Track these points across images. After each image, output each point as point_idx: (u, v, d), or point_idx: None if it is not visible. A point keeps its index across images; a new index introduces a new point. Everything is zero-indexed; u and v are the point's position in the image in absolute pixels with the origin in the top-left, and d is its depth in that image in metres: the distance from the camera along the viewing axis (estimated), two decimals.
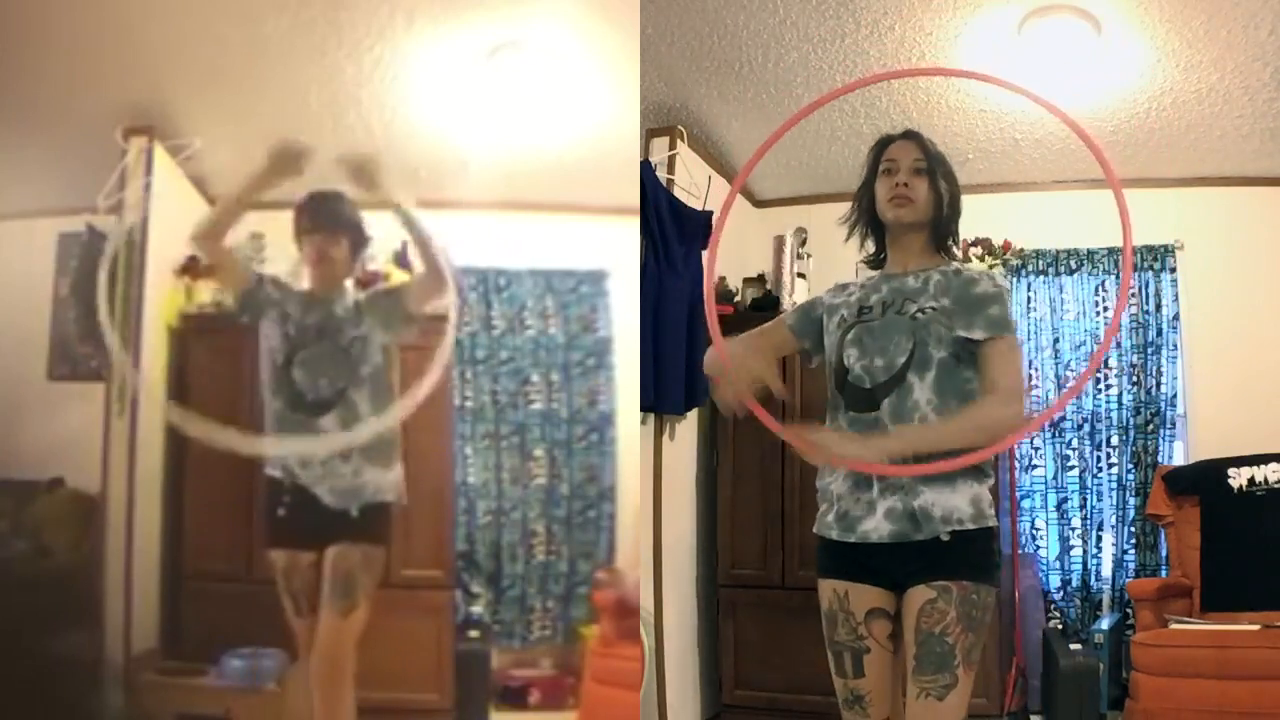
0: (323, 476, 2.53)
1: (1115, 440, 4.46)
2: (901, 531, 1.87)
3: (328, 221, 2.66)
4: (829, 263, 4.43)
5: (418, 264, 2.72)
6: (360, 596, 2.53)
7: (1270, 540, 3.84)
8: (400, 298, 2.68)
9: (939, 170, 2.06)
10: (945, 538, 1.85)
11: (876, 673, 1.91)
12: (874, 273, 2.15)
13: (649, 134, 4.00)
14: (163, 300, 3.84)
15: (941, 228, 2.07)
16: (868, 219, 2.13)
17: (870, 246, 2.16)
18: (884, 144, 2.12)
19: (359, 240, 2.73)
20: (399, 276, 4.19)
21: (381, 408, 2.59)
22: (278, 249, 4.13)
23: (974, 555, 1.88)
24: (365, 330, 2.62)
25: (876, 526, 1.88)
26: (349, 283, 2.75)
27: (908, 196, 2.02)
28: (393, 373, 2.67)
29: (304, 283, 2.73)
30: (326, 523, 2.52)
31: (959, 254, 2.19)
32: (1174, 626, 3.68)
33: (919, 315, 1.95)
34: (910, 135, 2.11)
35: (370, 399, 2.59)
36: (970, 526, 1.87)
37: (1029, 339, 4.55)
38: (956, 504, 1.87)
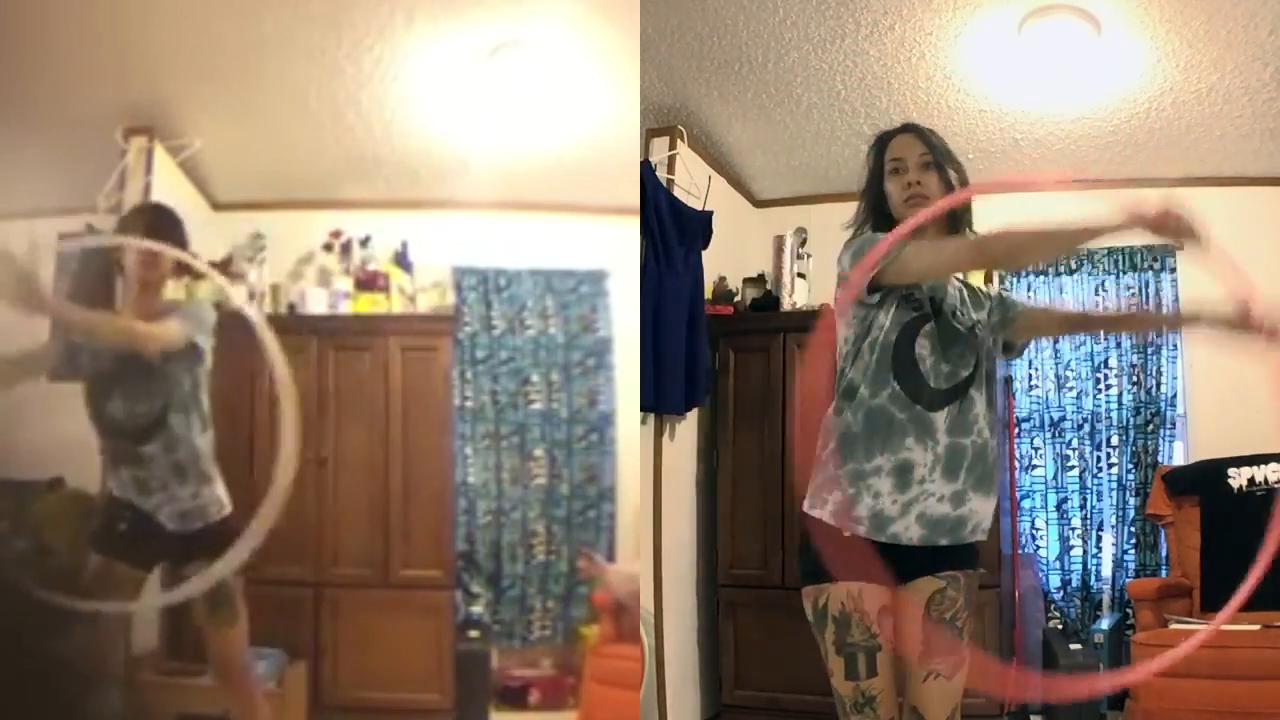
0: (164, 502, 2.50)
1: (1115, 440, 4.46)
2: (929, 537, 1.91)
3: (165, 235, 2.52)
4: (829, 262, 4.42)
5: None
6: (240, 603, 2.54)
7: None
8: (204, 316, 2.60)
9: (946, 161, 2.06)
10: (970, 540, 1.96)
11: (887, 671, 1.91)
12: None
13: (649, 134, 4.00)
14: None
15: (957, 219, 2.08)
16: (878, 217, 2.10)
17: None
18: (885, 140, 2.12)
19: (181, 264, 2.60)
20: (398, 276, 4.19)
21: (200, 425, 2.56)
22: (278, 248, 4.15)
23: (972, 550, 1.99)
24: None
25: (907, 528, 1.91)
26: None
27: (923, 194, 2.01)
28: (202, 391, 2.60)
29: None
30: (171, 546, 2.50)
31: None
32: (1174, 626, 3.68)
33: (978, 331, 2.01)
34: (910, 129, 2.11)
35: (188, 419, 2.53)
36: (983, 536, 1.99)
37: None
38: (986, 514, 1.97)
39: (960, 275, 2.11)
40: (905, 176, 2.04)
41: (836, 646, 1.92)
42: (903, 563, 1.91)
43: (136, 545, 2.50)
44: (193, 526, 2.52)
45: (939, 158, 2.05)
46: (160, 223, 2.57)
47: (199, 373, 2.58)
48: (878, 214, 2.10)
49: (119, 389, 2.49)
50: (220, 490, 2.59)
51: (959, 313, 2.00)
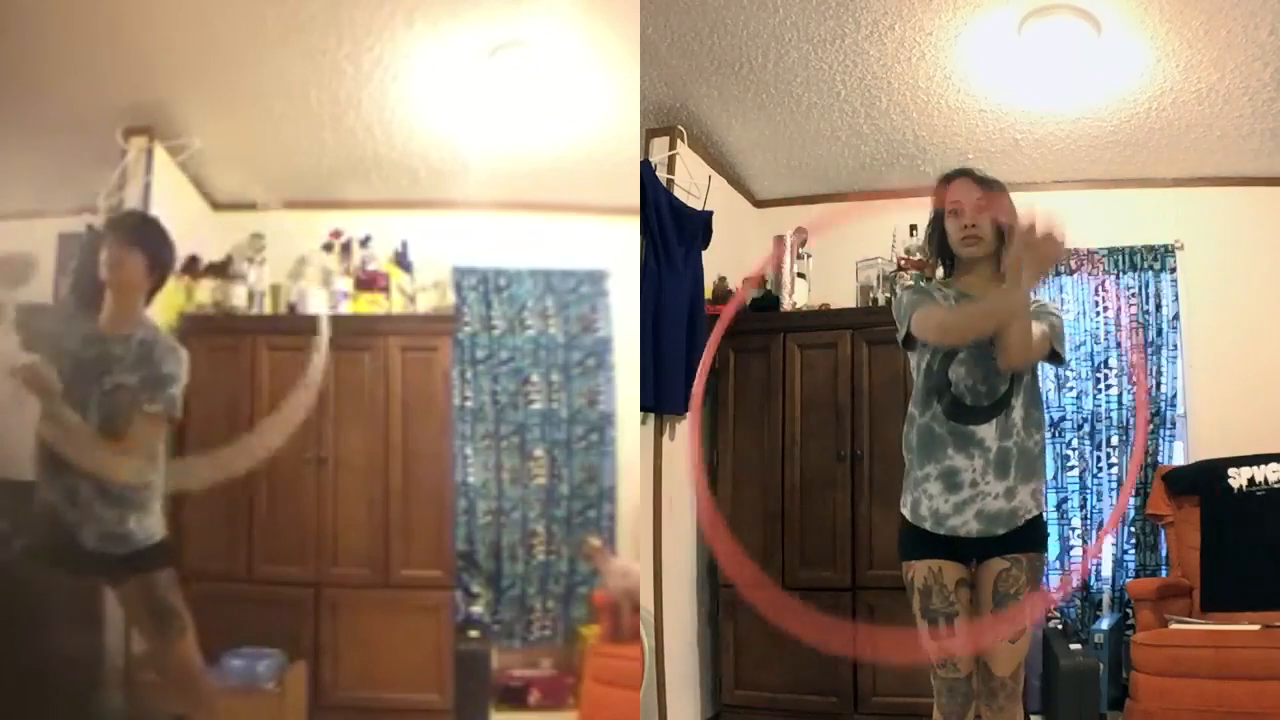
0: (85, 520, 2.45)
1: (1115, 440, 4.45)
2: (987, 530, 2.29)
3: (127, 236, 2.53)
4: (829, 262, 4.43)
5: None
6: (184, 615, 2.53)
7: (1270, 540, 3.84)
8: (161, 382, 2.51)
9: (1000, 206, 2.36)
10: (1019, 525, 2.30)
11: (965, 633, 2.29)
12: (949, 284, 2.46)
13: (649, 134, 4.00)
14: (163, 300, 3.82)
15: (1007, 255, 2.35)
16: (942, 251, 2.45)
17: (941, 272, 2.57)
18: (946, 183, 2.41)
19: (159, 264, 2.58)
20: (398, 276, 4.19)
21: (149, 459, 2.51)
22: (278, 248, 4.15)
23: (1035, 534, 2.34)
24: (129, 381, 2.48)
25: (965, 523, 2.29)
26: (147, 314, 2.62)
27: (976, 235, 2.34)
28: (159, 440, 2.54)
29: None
30: (94, 563, 2.47)
31: None
32: (1174, 626, 3.68)
33: None
34: (965, 173, 2.40)
35: (138, 449, 2.49)
36: (1035, 514, 2.33)
37: None
38: (1027, 501, 2.31)
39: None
40: (962, 219, 2.35)
41: (921, 612, 2.33)
42: (977, 547, 2.30)
43: (64, 558, 2.47)
44: (114, 550, 2.46)
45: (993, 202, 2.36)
46: (139, 229, 2.59)
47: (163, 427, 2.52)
48: (941, 248, 2.45)
49: (71, 395, 2.43)
50: (153, 521, 2.53)
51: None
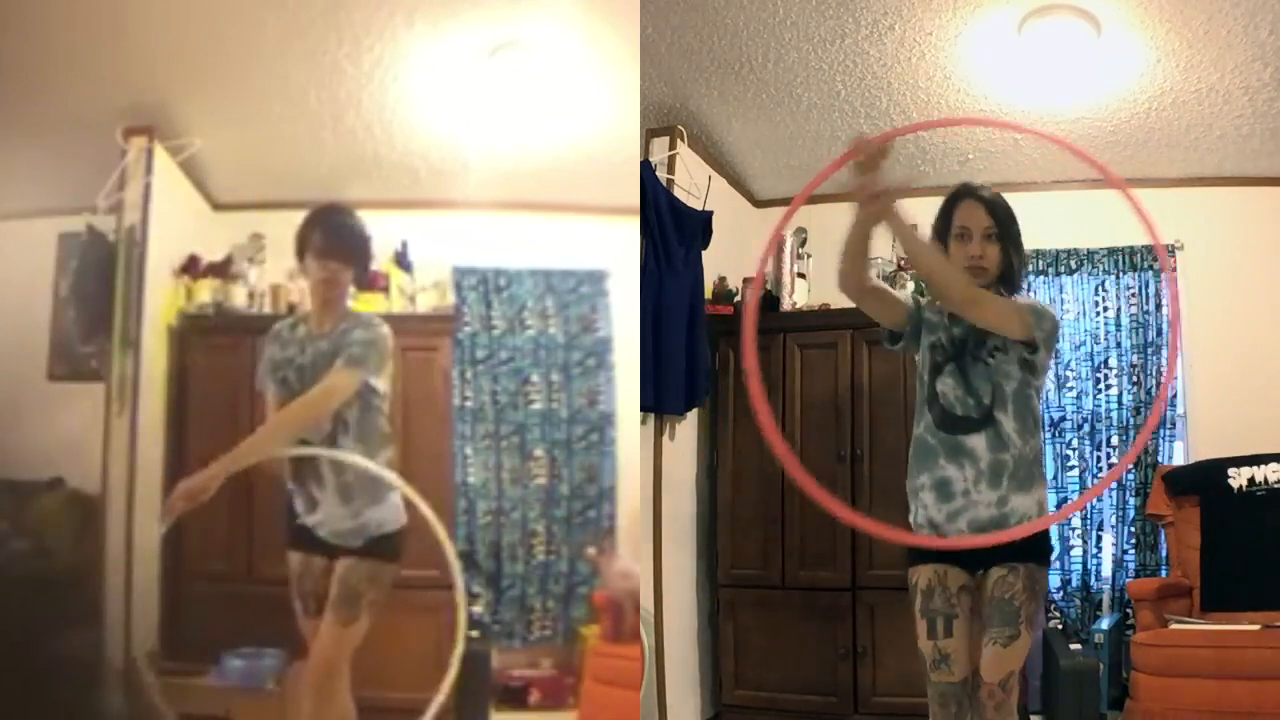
0: (324, 521, 2.57)
1: (1115, 440, 4.45)
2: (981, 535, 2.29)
3: (347, 246, 2.58)
4: (829, 262, 4.41)
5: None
6: (363, 609, 2.57)
7: (1270, 540, 3.84)
8: (376, 348, 2.57)
9: (1008, 236, 2.38)
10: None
11: (961, 635, 2.31)
12: None
13: (649, 134, 4.00)
14: (163, 300, 3.84)
15: (1009, 282, 2.41)
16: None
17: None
18: (953, 203, 2.42)
19: (365, 267, 2.68)
20: (398, 277, 4.19)
21: (370, 447, 2.58)
22: (275, 249, 4.15)
23: (1035, 543, 2.31)
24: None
25: (958, 531, 2.31)
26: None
27: (982, 266, 2.36)
28: (380, 413, 2.62)
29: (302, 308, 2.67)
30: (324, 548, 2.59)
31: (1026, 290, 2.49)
32: (1174, 626, 3.68)
33: (989, 360, 2.34)
34: (980, 199, 2.39)
35: (360, 441, 2.56)
36: (1028, 522, 2.30)
37: None
38: (1029, 507, 2.32)
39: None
40: (968, 247, 2.36)
41: (921, 612, 2.35)
42: (980, 554, 2.29)
43: (312, 536, 2.60)
44: (350, 544, 2.56)
45: (1003, 230, 2.37)
46: (350, 244, 2.59)
47: (370, 400, 2.58)
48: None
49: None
50: (386, 510, 2.62)
51: (977, 349, 2.35)
